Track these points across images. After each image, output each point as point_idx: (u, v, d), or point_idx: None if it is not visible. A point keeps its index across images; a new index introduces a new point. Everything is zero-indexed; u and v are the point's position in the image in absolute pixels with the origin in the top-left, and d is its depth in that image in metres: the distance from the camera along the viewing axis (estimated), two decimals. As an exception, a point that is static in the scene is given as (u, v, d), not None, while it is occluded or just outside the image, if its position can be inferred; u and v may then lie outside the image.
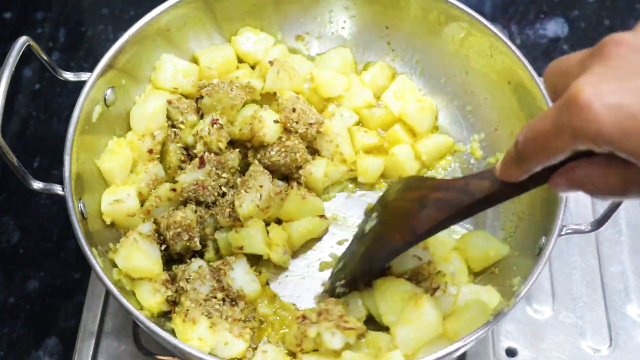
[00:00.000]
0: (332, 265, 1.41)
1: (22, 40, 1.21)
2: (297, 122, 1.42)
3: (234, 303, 1.31)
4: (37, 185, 1.21)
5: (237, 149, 1.43)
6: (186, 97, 1.49)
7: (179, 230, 1.31)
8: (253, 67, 1.56)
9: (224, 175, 1.38)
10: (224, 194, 1.38)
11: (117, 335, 1.38)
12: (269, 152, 1.41)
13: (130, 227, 1.33)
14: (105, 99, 1.38)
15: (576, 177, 0.80)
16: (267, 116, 1.40)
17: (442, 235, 1.27)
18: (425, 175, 1.30)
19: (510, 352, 1.40)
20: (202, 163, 1.36)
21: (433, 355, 1.10)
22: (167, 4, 1.42)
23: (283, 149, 1.41)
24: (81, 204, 1.26)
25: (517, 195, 0.99)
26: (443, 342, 1.19)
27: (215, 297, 1.29)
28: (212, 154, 1.38)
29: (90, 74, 1.32)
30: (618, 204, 1.21)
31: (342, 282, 1.30)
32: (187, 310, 1.25)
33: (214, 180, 1.37)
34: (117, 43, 1.36)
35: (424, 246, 1.33)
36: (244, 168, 1.43)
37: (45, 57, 1.28)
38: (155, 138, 1.42)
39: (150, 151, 1.41)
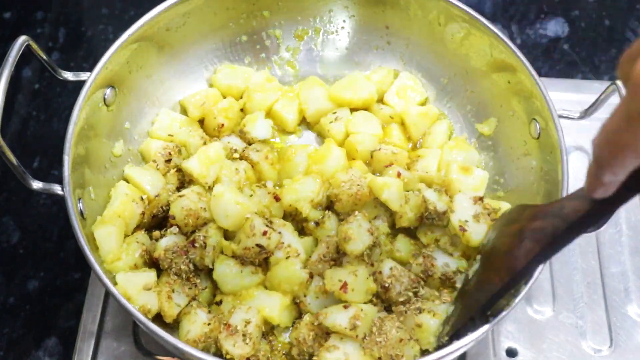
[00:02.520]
0: None
1: (22, 40, 1.21)
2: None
3: None
4: (37, 185, 1.21)
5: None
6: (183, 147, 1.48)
7: None
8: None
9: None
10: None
11: (117, 335, 1.38)
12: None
13: (145, 307, 1.24)
14: (104, 99, 1.38)
15: None
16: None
17: None
18: (526, 204, 1.17)
19: (511, 352, 1.40)
20: (190, 243, 1.32)
21: (433, 355, 1.10)
22: (167, 3, 1.42)
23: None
24: (81, 204, 1.26)
25: (615, 211, 0.87)
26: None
27: None
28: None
29: (89, 73, 1.32)
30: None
31: (446, 338, 1.18)
32: None
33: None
34: (116, 42, 1.36)
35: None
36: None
37: (44, 57, 1.28)
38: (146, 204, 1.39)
39: (143, 214, 1.37)
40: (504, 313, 1.14)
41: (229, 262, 1.30)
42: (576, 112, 1.35)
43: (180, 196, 1.35)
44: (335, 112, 1.53)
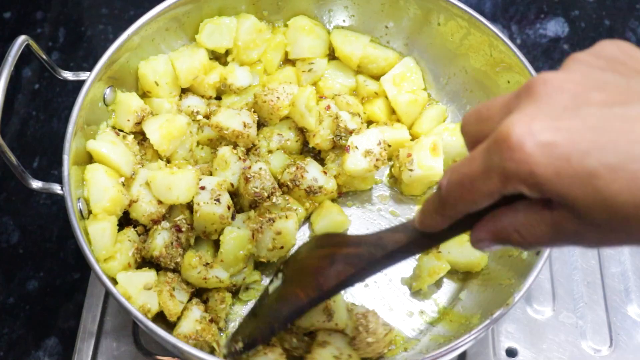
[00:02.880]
0: None
1: (21, 40, 1.21)
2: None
3: None
4: (36, 184, 1.21)
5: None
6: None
7: None
8: (227, 54, 1.54)
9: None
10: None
11: (117, 335, 1.38)
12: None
13: (144, 306, 1.24)
14: (104, 98, 1.38)
15: (501, 227, 0.76)
16: None
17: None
18: (335, 233, 1.31)
19: (511, 352, 1.40)
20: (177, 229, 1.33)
21: (433, 354, 1.10)
22: (167, 2, 1.42)
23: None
24: (80, 203, 1.26)
25: (433, 247, 0.96)
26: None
27: None
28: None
29: (89, 73, 1.32)
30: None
31: (240, 344, 1.19)
32: None
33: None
34: (116, 42, 1.35)
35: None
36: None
37: (44, 57, 1.28)
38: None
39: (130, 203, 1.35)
40: (504, 312, 1.14)
41: (195, 261, 1.30)
42: (576, 112, 1.35)
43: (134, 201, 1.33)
44: (312, 63, 1.53)
